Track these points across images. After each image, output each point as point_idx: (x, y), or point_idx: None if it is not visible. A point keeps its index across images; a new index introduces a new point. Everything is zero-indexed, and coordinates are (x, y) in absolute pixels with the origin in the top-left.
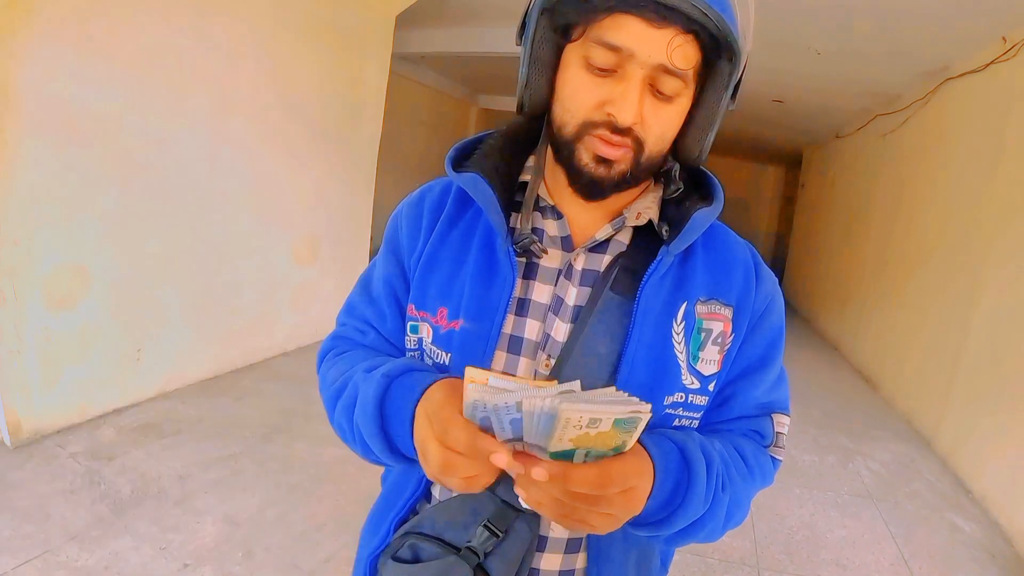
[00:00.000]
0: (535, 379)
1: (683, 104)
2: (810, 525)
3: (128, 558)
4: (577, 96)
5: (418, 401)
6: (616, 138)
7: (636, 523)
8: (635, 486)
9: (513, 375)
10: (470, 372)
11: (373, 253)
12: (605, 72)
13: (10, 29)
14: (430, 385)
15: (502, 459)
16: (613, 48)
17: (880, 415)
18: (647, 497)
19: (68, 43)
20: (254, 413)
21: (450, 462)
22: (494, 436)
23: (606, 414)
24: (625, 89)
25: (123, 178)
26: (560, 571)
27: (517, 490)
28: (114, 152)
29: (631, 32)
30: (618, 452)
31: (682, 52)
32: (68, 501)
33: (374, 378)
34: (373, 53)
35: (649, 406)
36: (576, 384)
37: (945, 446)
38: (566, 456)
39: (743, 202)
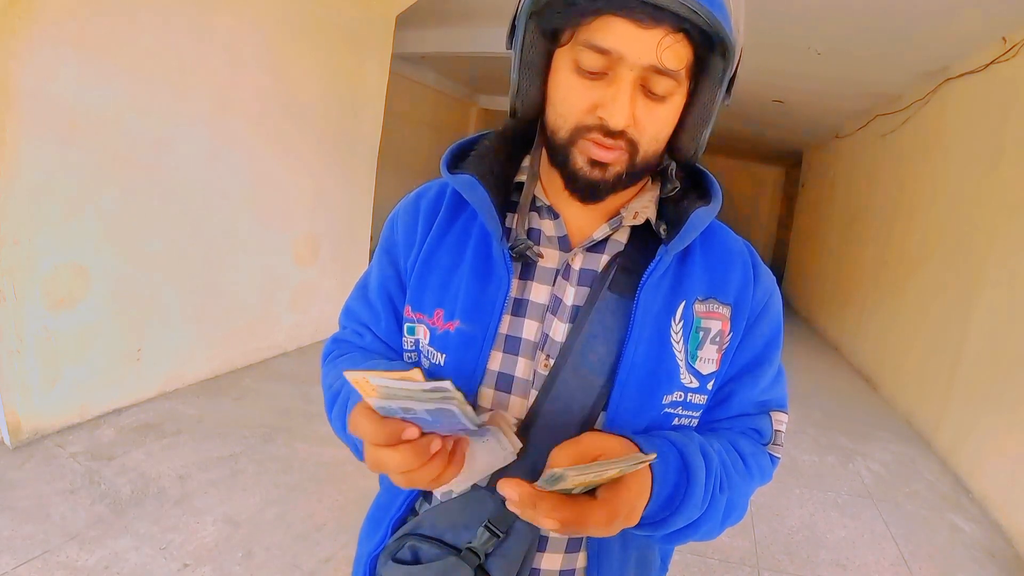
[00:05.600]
0: (409, 372)
1: (677, 102)
2: (810, 525)
3: (128, 558)
4: (568, 100)
5: None
6: (609, 141)
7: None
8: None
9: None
10: (348, 376)
11: (373, 253)
12: (595, 75)
13: (10, 29)
14: None
15: (412, 432)
16: (602, 51)
17: (880, 415)
18: (646, 504)
19: (68, 43)
20: (254, 413)
21: (376, 457)
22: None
23: (613, 469)
24: (616, 92)
25: (123, 178)
26: (561, 571)
27: (510, 508)
28: (114, 152)
29: (619, 34)
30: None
31: (672, 52)
32: (68, 501)
33: None
34: (373, 53)
35: (653, 456)
36: (448, 383)
37: (945, 446)
38: (564, 490)
39: (747, 216)
